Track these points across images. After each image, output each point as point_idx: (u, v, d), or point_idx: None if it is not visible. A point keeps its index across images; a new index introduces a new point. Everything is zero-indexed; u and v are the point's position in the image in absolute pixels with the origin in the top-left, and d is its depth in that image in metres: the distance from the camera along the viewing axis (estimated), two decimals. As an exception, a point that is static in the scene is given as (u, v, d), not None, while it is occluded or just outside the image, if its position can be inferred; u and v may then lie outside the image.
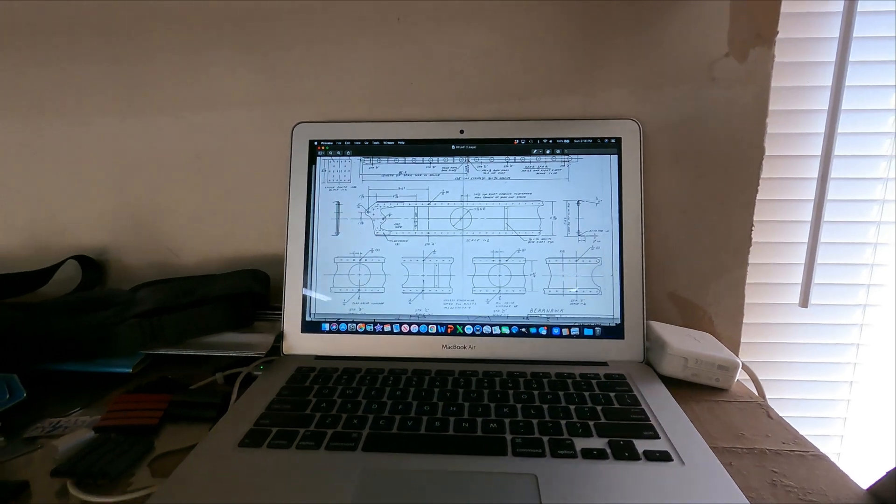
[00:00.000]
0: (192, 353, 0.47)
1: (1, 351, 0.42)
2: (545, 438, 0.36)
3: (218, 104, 0.57)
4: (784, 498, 0.32)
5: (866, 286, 0.61)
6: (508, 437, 0.36)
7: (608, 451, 0.34)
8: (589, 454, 0.34)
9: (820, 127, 0.56)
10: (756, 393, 0.50)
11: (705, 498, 0.30)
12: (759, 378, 0.49)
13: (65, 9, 0.56)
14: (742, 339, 0.60)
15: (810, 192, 0.57)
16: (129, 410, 0.40)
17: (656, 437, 0.36)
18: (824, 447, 0.37)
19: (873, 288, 0.61)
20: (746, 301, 0.59)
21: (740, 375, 0.54)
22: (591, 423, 0.38)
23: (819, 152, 0.56)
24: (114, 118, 0.59)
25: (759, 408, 0.43)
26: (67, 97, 0.58)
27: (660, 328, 0.50)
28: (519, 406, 0.40)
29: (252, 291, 0.52)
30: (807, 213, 0.58)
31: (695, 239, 0.57)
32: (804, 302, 0.60)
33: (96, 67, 0.57)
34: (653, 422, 0.38)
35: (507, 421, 0.38)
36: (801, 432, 0.39)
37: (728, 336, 0.59)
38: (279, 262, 0.60)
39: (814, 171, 0.56)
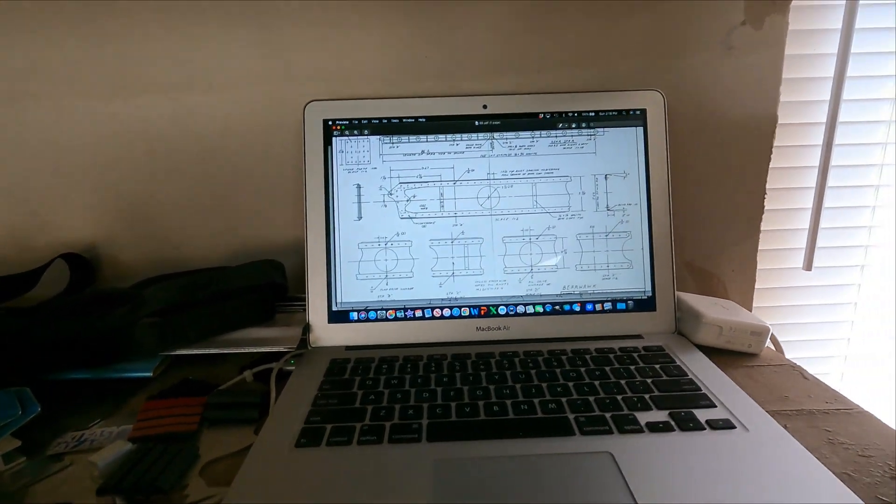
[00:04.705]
0: (215, 351, 0.44)
1: (7, 362, 0.38)
2: (607, 415, 0.36)
3: (216, 84, 0.53)
4: (844, 455, 0.33)
5: (864, 248, 0.64)
6: (571, 416, 0.36)
7: (672, 423, 0.35)
8: (655, 427, 0.34)
9: (819, 95, 0.58)
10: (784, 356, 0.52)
11: (779, 463, 0.30)
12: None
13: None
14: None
15: (814, 159, 0.59)
16: (163, 417, 0.37)
17: (713, 405, 0.37)
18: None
19: (870, 248, 0.64)
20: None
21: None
22: (646, 396, 0.38)
23: (823, 119, 0.57)
24: (98, 101, 0.53)
25: (792, 370, 0.44)
26: (43, 78, 0.52)
27: (688, 298, 0.50)
28: (571, 384, 0.40)
29: (273, 282, 0.49)
30: (810, 180, 0.60)
31: (711, 209, 0.58)
32: (808, 265, 0.62)
33: (77, 43, 0.52)
34: (704, 391, 0.38)
35: (563, 400, 0.37)
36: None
37: (741, 303, 0.60)
38: (290, 252, 0.57)
39: (813, 139, 0.58)
